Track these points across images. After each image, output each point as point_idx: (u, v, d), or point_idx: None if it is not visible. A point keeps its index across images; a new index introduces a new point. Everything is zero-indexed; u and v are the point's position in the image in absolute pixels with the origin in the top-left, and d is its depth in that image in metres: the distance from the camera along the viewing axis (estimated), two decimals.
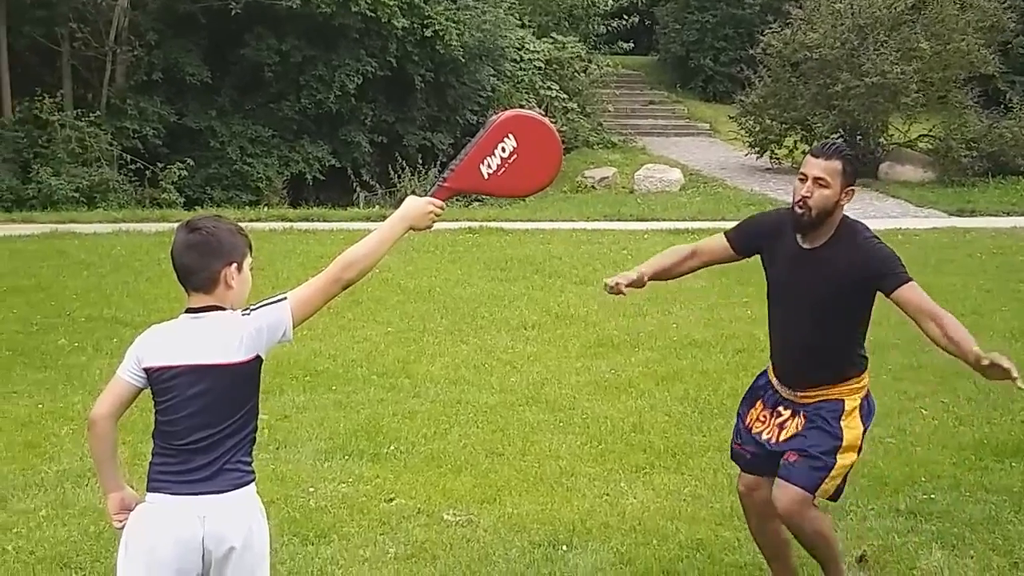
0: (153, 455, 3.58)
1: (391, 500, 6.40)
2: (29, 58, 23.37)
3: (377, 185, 22.61)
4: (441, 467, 6.99)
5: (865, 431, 4.87)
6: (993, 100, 25.96)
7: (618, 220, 18.74)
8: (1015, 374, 4.44)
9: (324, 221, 17.76)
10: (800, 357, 4.89)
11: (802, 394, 4.89)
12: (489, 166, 3.93)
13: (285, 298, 3.59)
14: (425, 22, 23.35)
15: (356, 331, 10.58)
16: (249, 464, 3.62)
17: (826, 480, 4.76)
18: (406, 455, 7.21)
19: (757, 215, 5.34)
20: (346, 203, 21.50)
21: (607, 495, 6.54)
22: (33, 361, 9.37)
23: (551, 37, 28.01)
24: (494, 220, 17.41)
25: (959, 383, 8.95)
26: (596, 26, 30.48)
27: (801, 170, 4.80)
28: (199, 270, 3.55)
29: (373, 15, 22.56)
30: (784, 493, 4.75)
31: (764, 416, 5.00)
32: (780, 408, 4.96)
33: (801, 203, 4.71)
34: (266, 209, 19.83)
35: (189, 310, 3.57)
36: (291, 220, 17.72)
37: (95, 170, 20.94)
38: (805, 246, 4.82)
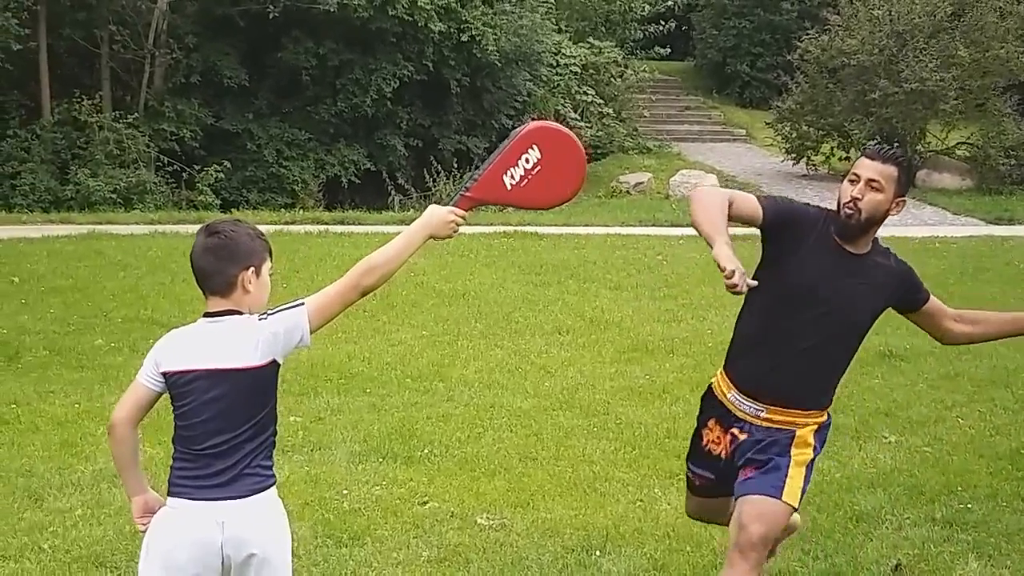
0: (173, 460, 3.59)
1: (424, 503, 6.41)
2: (68, 60, 23.56)
3: (412, 189, 22.67)
4: (475, 471, 6.98)
5: (815, 454, 4.56)
6: None
7: (653, 225, 18.70)
8: None
9: (359, 224, 17.80)
10: (802, 370, 4.48)
11: (768, 416, 4.48)
12: (512, 177, 3.89)
13: (303, 303, 3.56)
14: (462, 26, 23.40)
15: (390, 334, 10.60)
16: (269, 468, 3.60)
17: (786, 482, 4.35)
18: (440, 458, 7.21)
19: (797, 203, 4.80)
20: (381, 206, 21.57)
21: (641, 501, 6.52)
22: (70, 361, 9.42)
23: (588, 42, 28.01)
24: (529, 224, 17.42)
25: (996, 392, 8.90)
26: (633, 31, 30.47)
27: (853, 171, 4.46)
28: (216, 274, 3.55)
29: (410, 19, 22.63)
30: (753, 507, 4.34)
31: (719, 437, 4.63)
32: (735, 430, 4.56)
33: (851, 204, 4.38)
34: (301, 212, 19.94)
35: (207, 314, 3.57)
36: (326, 223, 17.78)
37: (132, 172, 21.11)
38: (851, 250, 4.46)
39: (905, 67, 23.36)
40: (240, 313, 3.55)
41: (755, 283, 4.06)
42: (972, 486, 6.74)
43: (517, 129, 4.01)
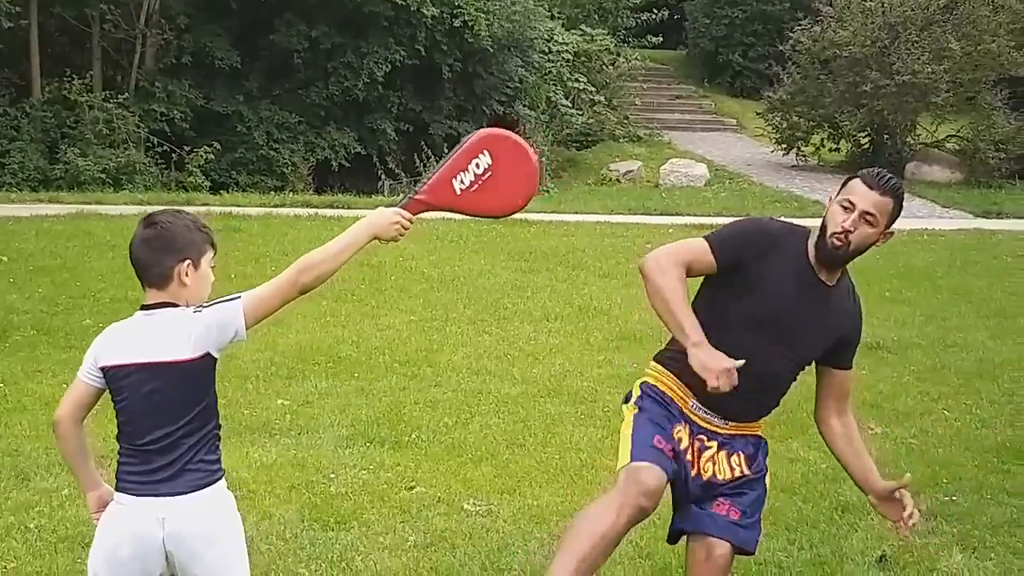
0: (118, 455, 3.55)
1: (412, 488, 6.41)
2: (59, 39, 23.44)
3: (402, 173, 22.62)
4: (462, 456, 6.99)
5: None
6: (1022, 102, 25.83)
7: (643, 214, 18.71)
8: (913, 515, 4.42)
9: (349, 208, 17.75)
10: (753, 392, 4.24)
11: (733, 425, 4.37)
12: (462, 182, 3.81)
13: (239, 297, 3.49)
14: (455, 11, 23.32)
15: (379, 319, 10.60)
16: (215, 463, 3.53)
17: (758, 541, 4.40)
18: (427, 444, 7.22)
19: (745, 224, 4.59)
20: (371, 190, 21.53)
21: None
22: (58, 341, 9.41)
23: (580, 29, 27.93)
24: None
25: (982, 385, 8.93)
26: (625, 19, 30.40)
27: (847, 197, 4.18)
28: (151, 265, 3.49)
29: (402, 3, 22.53)
30: (724, 555, 4.29)
31: (683, 439, 4.37)
32: (703, 437, 4.37)
33: (842, 236, 4.14)
34: (291, 195, 19.85)
35: (143, 307, 3.53)
36: (316, 206, 17.72)
37: (122, 152, 21.01)
38: (823, 279, 4.27)
39: (897, 59, 23.38)
40: (176, 306, 3.50)
41: (741, 362, 4.03)
42: (957, 478, 6.77)
43: (470, 135, 3.95)
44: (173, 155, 21.84)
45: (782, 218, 4.67)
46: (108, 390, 3.53)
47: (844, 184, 4.29)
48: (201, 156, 21.52)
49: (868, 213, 4.15)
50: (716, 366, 4.02)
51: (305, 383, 8.48)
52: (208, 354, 3.47)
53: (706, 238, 4.36)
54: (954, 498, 6.44)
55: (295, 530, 5.74)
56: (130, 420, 3.49)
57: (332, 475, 6.57)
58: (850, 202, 4.17)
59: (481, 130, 3.99)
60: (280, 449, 6.98)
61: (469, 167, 3.82)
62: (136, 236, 3.53)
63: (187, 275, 3.49)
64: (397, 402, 8.08)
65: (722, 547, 4.29)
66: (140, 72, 22.75)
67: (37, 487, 6.28)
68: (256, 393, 8.17)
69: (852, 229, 4.14)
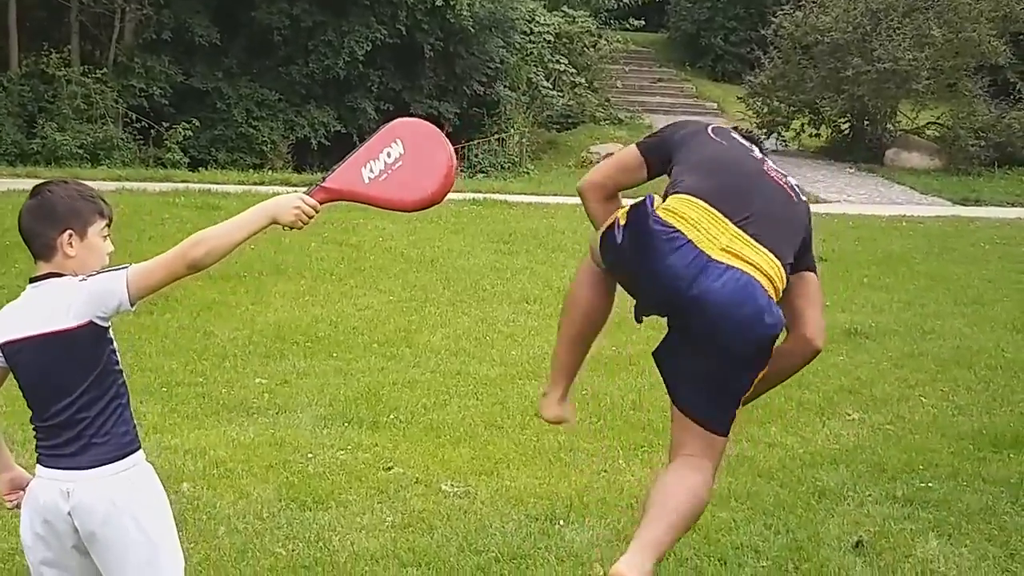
0: (34, 431, 3.52)
1: (389, 469, 6.40)
2: (38, 13, 23.30)
3: None
4: (440, 437, 6.99)
5: None
6: (1002, 90, 25.92)
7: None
8: None
9: None
10: None
11: None
12: (371, 170, 3.64)
13: (126, 267, 3.39)
14: None
15: (358, 299, 10.57)
16: (126, 435, 3.47)
17: None
18: (405, 424, 7.21)
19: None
20: None
21: (605, 471, 6.53)
22: None
23: (562, 10, 27.89)
24: (498, 192, 17.38)
25: (959, 372, 8.95)
26: (607, 1, 30.38)
27: None
28: (34, 236, 3.44)
29: None
30: None
31: None
32: None
33: None
34: (270, 173, 19.82)
35: (31, 280, 3.46)
36: (295, 185, 17.64)
37: (100, 127, 20.95)
38: None
39: (878, 46, 23.41)
40: (62, 276, 3.42)
41: None
42: (933, 465, 6.78)
43: (385, 124, 3.81)
44: (151, 131, 21.76)
45: None
46: (10, 368, 3.49)
47: None
48: (180, 133, 21.45)
49: None
50: None
51: (283, 362, 8.45)
52: (92, 322, 3.37)
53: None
54: (930, 484, 6.45)
55: (272, 509, 5.72)
56: (32, 396, 3.46)
57: (310, 455, 6.55)
58: None
59: (397, 119, 3.84)
60: (258, 428, 6.96)
61: (380, 156, 3.66)
62: (23, 207, 3.48)
63: (71, 245, 3.42)
64: (375, 382, 8.07)
65: None
66: (119, 47, 22.65)
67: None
68: (234, 371, 8.15)
69: None
